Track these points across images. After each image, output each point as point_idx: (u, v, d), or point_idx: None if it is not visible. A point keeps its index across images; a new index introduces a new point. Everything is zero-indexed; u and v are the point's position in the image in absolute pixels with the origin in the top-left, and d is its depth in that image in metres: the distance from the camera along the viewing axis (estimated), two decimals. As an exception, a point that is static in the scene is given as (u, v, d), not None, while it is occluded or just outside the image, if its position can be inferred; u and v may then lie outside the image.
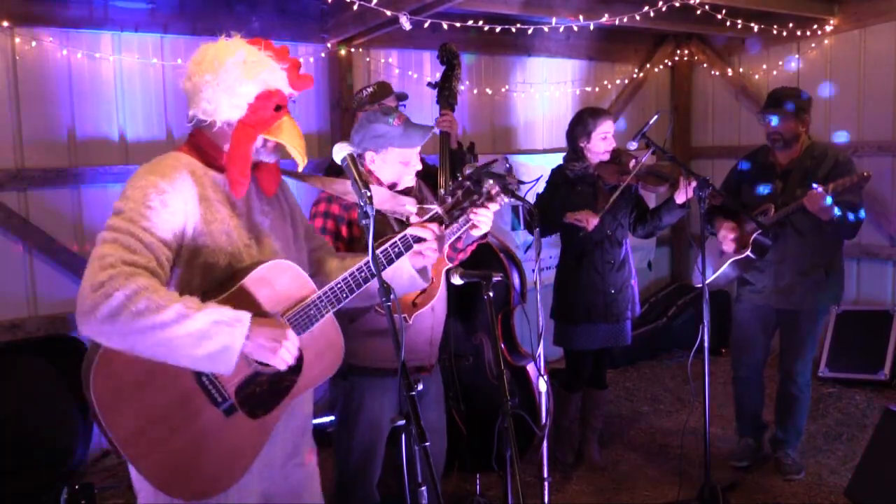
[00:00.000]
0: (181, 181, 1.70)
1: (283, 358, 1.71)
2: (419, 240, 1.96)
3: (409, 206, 2.06)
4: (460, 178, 2.02)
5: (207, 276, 1.73)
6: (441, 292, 2.70)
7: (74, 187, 3.97)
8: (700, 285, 3.70)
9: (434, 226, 1.98)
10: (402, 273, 2.02)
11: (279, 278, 1.79)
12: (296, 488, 1.99)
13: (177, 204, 1.67)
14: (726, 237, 3.56)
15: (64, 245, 3.92)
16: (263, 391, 1.78)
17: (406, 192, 2.67)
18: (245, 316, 1.63)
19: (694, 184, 3.32)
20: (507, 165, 2.64)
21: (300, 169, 1.89)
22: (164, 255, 1.64)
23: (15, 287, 3.85)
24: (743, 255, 3.52)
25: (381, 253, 1.91)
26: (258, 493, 1.89)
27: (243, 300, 1.72)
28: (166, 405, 1.66)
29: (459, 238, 2.72)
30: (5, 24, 3.69)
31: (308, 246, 2.05)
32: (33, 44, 3.80)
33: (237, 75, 1.70)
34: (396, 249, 1.93)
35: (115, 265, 1.54)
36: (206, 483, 1.73)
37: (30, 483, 3.40)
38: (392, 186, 2.62)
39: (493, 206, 2.59)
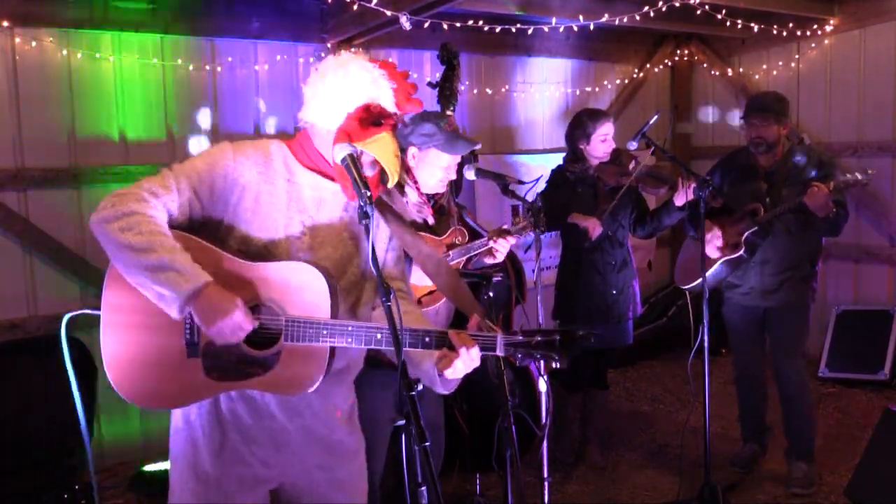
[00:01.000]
0: (251, 156, 1.82)
1: (220, 330, 1.69)
2: (451, 347, 1.83)
3: (478, 315, 1.94)
4: (551, 331, 1.83)
5: (244, 246, 1.81)
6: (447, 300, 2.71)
7: (74, 187, 3.97)
8: (684, 287, 3.73)
9: (474, 347, 1.83)
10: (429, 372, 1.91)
11: (304, 284, 1.77)
12: (316, 492, 2.01)
13: (229, 170, 1.79)
14: (711, 241, 3.57)
15: (64, 245, 3.92)
16: (229, 360, 1.79)
17: (433, 197, 2.72)
18: (201, 279, 1.68)
19: (693, 186, 3.33)
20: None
21: (390, 184, 1.89)
22: (191, 203, 1.78)
23: (15, 287, 3.85)
24: (736, 255, 3.53)
25: (416, 333, 1.82)
26: (267, 475, 1.94)
27: (270, 277, 1.77)
28: (152, 307, 1.73)
29: (471, 260, 2.75)
30: (5, 24, 3.69)
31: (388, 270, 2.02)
32: (33, 44, 3.80)
33: (343, 85, 1.79)
34: (427, 339, 1.83)
35: (141, 187, 1.73)
36: (137, 389, 1.80)
37: (30, 483, 3.40)
38: (422, 187, 2.67)
39: (512, 239, 2.63)
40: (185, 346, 1.78)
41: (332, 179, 1.88)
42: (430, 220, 2.69)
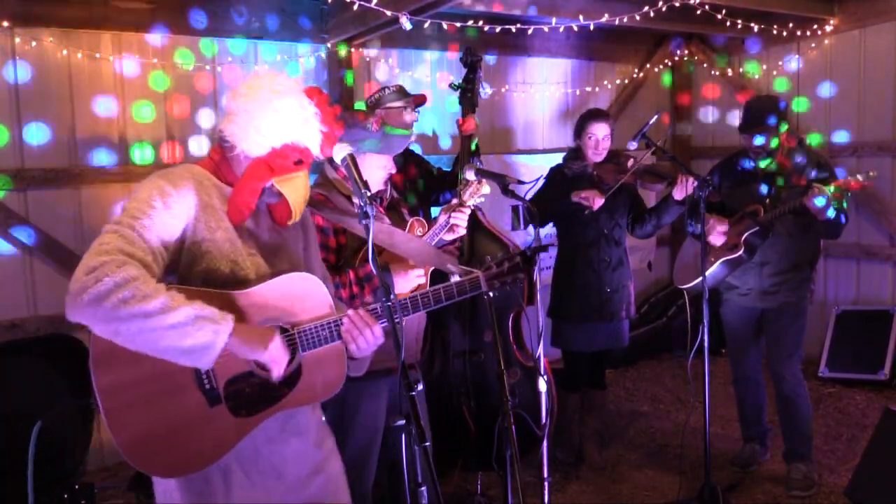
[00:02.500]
0: (186, 188, 1.74)
1: (272, 355, 1.70)
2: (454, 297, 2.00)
3: (451, 265, 2.09)
4: (512, 254, 2.05)
5: (209, 281, 1.74)
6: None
7: (74, 188, 3.97)
8: (682, 287, 3.73)
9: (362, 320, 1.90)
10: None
11: (300, 291, 1.81)
12: (318, 497, 1.98)
13: (179, 208, 1.71)
14: (715, 227, 3.54)
15: (64, 245, 3.92)
16: (252, 392, 1.77)
17: (377, 196, 2.68)
18: (229, 317, 1.64)
19: (693, 181, 3.33)
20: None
21: (291, 222, 1.90)
22: (160, 254, 1.68)
23: (15, 287, 3.85)
24: (735, 255, 3.53)
25: (409, 300, 1.95)
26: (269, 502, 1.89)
27: (260, 300, 1.75)
28: (154, 374, 1.67)
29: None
30: (5, 24, 3.69)
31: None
32: (33, 44, 3.80)
33: (276, 119, 1.75)
34: (426, 300, 1.97)
35: (111, 252, 1.59)
36: (167, 463, 1.73)
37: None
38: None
39: (466, 210, 2.73)
40: (205, 398, 1.73)
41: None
42: (385, 221, 2.67)
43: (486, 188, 2.82)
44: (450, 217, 2.73)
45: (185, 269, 1.74)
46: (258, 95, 1.76)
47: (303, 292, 1.82)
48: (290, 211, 1.86)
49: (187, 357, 1.62)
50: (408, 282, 2.53)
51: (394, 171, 2.66)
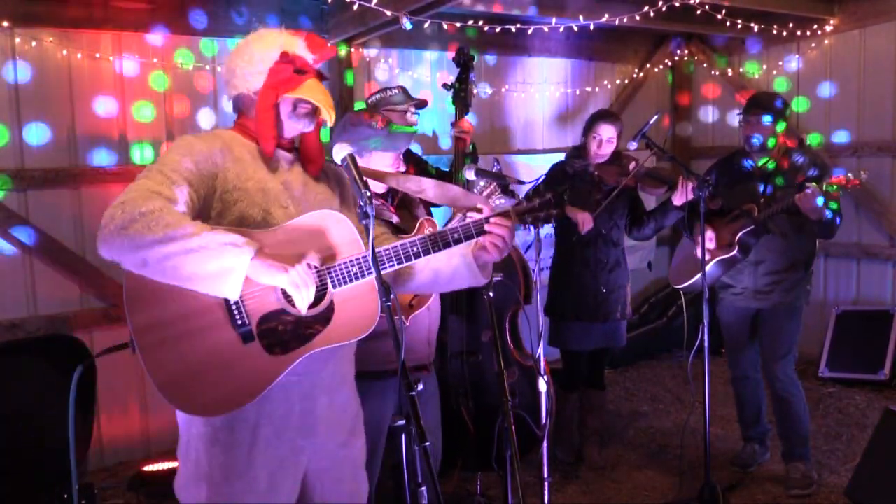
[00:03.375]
0: (213, 141, 1.83)
1: (293, 279, 1.69)
2: (483, 232, 1.88)
3: (482, 204, 1.98)
4: (544, 192, 1.95)
5: (241, 225, 1.78)
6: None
7: (74, 187, 3.97)
8: (678, 287, 3.74)
9: (508, 222, 1.87)
10: (466, 265, 1.95)
11: (330, 229, 1.84)
12: (337, 470, 2.01)
13: (207, 158, 1.78)
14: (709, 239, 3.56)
15: (64, 245, 3.92)
16: (286, 330, 1.77)
17: (387, 193, 2.68)
18: (254, 244, 1.67)
19: (692, 185, 3.34)
20: (497, 167, 2.65)
21: (330, 124, 1.95)
22: (190, 197, 1.73)
23: (15, 287, 3.85)
24: (729, 255, 3.53)
25: (438, 235, 1.87)
26: (297, 463, 1.92)
27: (289, 238, 1.79)
28: (187, 312, 1.69)
29: None
30: (5, 24, 3.69)
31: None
32: (33, 44, 3.80)
33: (258, 47, 1.86)
34: (455, 236, 1.87)
35: (138, 189, 1.66)
36: (205, 400, 1.73)
37: (30, 483, 3.40)
38: (376, 189, 2.62)
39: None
40: (239, 336, 1.74)
41: (294, 150, 1.97)
42: (395, 219, 2.67)
43: (471, 175, 2.80)
44: (464, 217, 2.71)
45: (217, 216, 1.78)
46: (238, 47, 1.90)
47: (331, 230, 1.83)
48: (321, 157, 1.95)
49: (212, 283, 1.64)
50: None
51: (402, 168, 2.65)
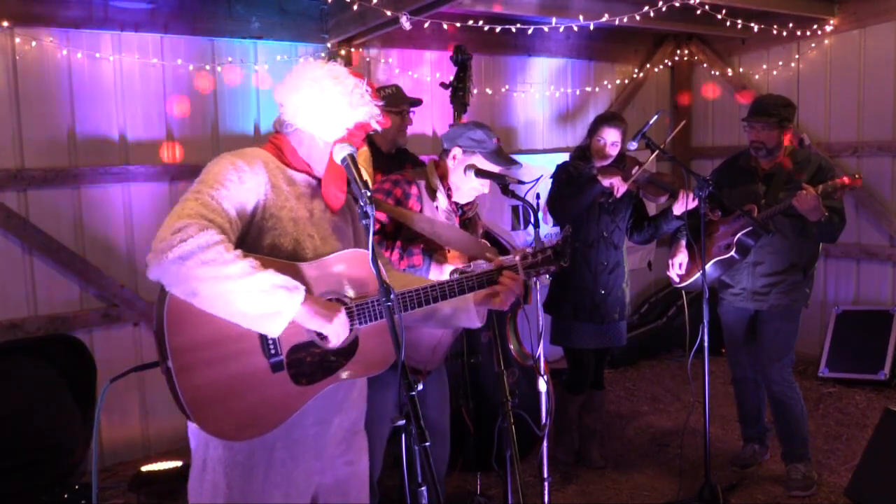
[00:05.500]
0: (257, 166, 1.85)
1: (335, 329, 1.79)
2: (494, 282, 2.08)
3: (489, 254, 2.23)
4: (547, 247, 2.15)
5: (273, 255, 1.83)
6: None
7: (74, 187, 3.97)
8: (677, 286, 3.74)
9: (516, 277, 2.09)
10: (466, 309, 2.12)
11: (360, 267, 1.92)
12: (343, 486, 2.06)
13: (251, 183, 1.81)
14: (677, 255, 3.68)
15: (64, 245, 3.92)
16: (313, 362, 1.85)
17: (462, 207, 2.76)
18: (302, 287, 1.74)
19: (693, 196, 3.34)
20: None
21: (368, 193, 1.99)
22: (235, 224, 1.77)
23: (15, 287, 3.85)
24: (727, 256, 3.53)
25: (456, 283, 2.04)
26: (309, 484, 1.96)
27: (322, 273, 1.86)
28: (223, 338, 1.74)
29: None
30: (5, 24, 3.69)
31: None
32: (33, 44, 3.80)
33: (347, 102, 1.89)
34: (470, 284, 2.06)
35: (193, 216, 1.68)
36: (230, 424, 1.78)
37: (30, 483, 3.40)
38: (454, 193, 2.71)
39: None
40: (269, 365, 1.80)
41: (318, 180, 1.99)
42: (372, 213, 2.69)
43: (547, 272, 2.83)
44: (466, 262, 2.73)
45: (252, 241, 1.82)
46: (322, 84, 1.89)
47: (360, 268, 1.93)
48: (341, 196, 2.00)
49: (259, 322, 1.71)
50: (443, 276, 2.54)
51: (486, 191, 2.73)
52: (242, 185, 1.80)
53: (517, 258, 2.11)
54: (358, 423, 2.12)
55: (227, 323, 1.73)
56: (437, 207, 2.64)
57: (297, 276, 1.81)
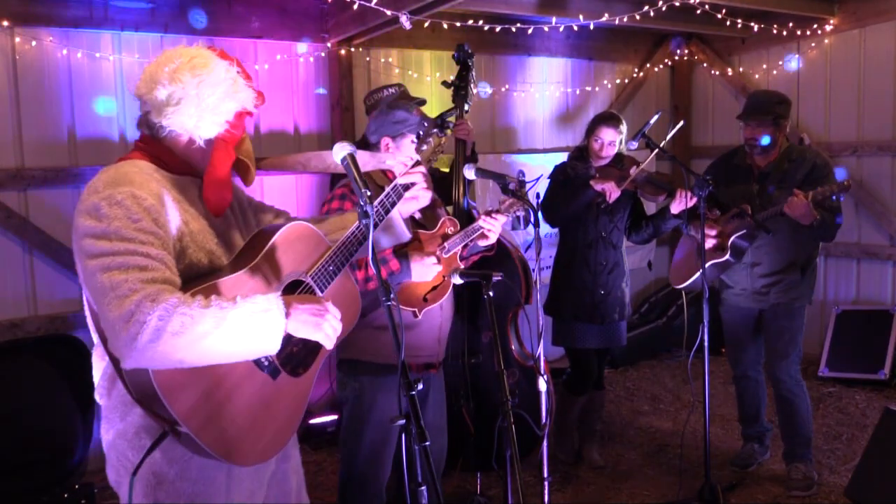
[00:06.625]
0: (155, 186, 1.65)
1: (326, 332, 1.71)
2: (408, 187, 2.14)
3: (389, 160, 2.23)
4: (514, 188, 2.26)
5: (191, 275, 1.67)
6: (450, 291, 2.71)
7: (74, 187, 3.97)
8: (677, 287, 3.74)
9: (421, 168, 2.17)
10: (394, 225, 2.18)
11: (298, 239, 1.86)
12: (283, 485, 1.99)
13: (160, 211, 1.62)
14: (708, 235, 3.52)
15: (64, 245, 3.92)
16: (300, 350, 1.82)
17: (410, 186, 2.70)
18: (274, 299, 1.62)
19: (691, 196, 3.34)
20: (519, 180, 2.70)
21: (247, 183, 1.90)
22: (171, 262, 1.60)
23: (15, 287, 3.85)
24: (721, 259, 3.53)
25: (378, 204, 2.04)
26: (262, 491, 1.89)
27: (272, 264, 1.78)
28: (218, 376, 1.65)
29: (466, 246, 2.74)
30: (5, 23, 3.69)
31: (265, 217, 2.05)
32: (33, 44, 3.80)
33: (221, 93, 1.70)
34: (391, 199, 2.10)
35: (136, 289, 1.48)
36: (265, 443, 1.74)
37: (30, 483, 3.40)
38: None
39: (501, 217, 2.63)
40: (268, 375, 1.75)
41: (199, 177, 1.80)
42: (417, 215, 2.69)
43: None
44: (481, 222, 2.70)
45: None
46: (192, 76, 1.68)
47: (298, 240, 1.86)
48: (226, 200, 1.82)
49: (256, 350, 1.63)
50: (425, 269, 2.52)
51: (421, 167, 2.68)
52: (152, 216, 1.58)
53: (418, 158, 2.26)
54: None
55: (213, 364, 1.61)
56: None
57: (247, 285, 1.68)
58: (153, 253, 1.55)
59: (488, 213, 2.68)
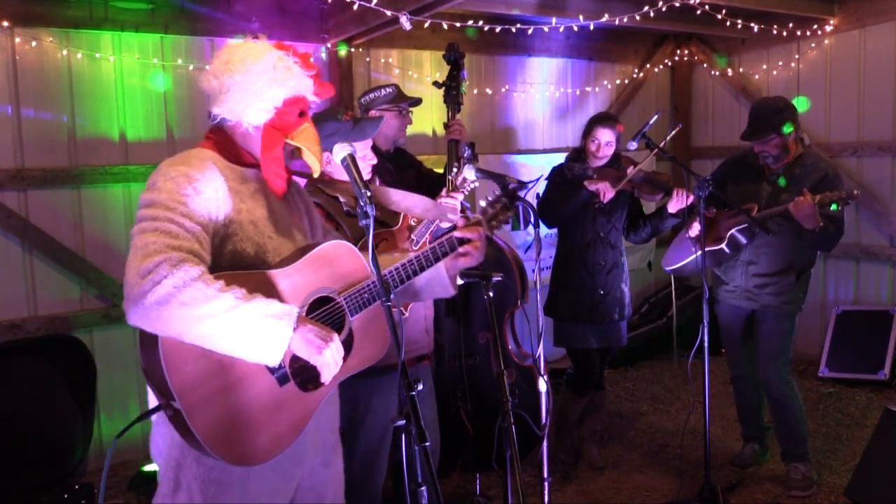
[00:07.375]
0: (210, 171, 1.73)
1: (326, 360, 1.68)
2: (463, 242, 2.02)
3: (451, 214, 2.16)
4: (499, 195, 2.14)
5: (235, 264, 1.73)
6: None
7: (74, 188, 3.97)
8: (668, 269, 3.76)
9: (481, 228, 2.04)
10: (440, 277, 2.07)
11: (339, 258, 1.86)
12: (320, 489, 1.99)
13: (208, 191, 1.69)
14: (695, 223, 3.48)
15: (64, 245, 3.92)
16: (314, 367, 1.77)
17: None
18: (293, 310, 1.63)
19: (688, 196, 3.34)
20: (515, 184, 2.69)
21: (315, 174, 1.92)
22: (205, 240, 1.65)
23: (15, 287, 3.85)
24: (717, 247, 3.52)
25: (430, 251, 2.00)
26: (288, 490, 1.89)
27: (306, 274, 1.78)
28: (225, 365, 1.64)
29: (432, 231, 2.76)
30: (5, 24, 3.69)
31: (328, 237, 2.07)
32: (33, 44, 3.80)
33: (267, 80, 1.75)
34: (443, 249, 2.01)
35: (161, 251, 1.54)
36: (252, 448, 1.70)
37: (30, 483, 3.40)
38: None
39: (459, 196, 2.77)
40: (276, 380, 1.73)
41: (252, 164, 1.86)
42: (375, 213, 2.67)
43: (471, 174, 2.80)
44: (441, 201, 2.73)
45: (215, 250, 1.70)
46: (242, 65, 1.75)
47: (340, 260, 1.87)
48: (282, 182, 1.85)
49: (255, 354, 1.61)
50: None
51: (374, 161, 2.63)
52: (199, 195, 1.66)
53: (479, 216, 2.10)
54: (333, 422, 2.04)
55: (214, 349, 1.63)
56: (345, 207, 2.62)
57: (276, 286, 1.71)
58: (187, 225, 1.61)
59: (447, 193, 2.74)
